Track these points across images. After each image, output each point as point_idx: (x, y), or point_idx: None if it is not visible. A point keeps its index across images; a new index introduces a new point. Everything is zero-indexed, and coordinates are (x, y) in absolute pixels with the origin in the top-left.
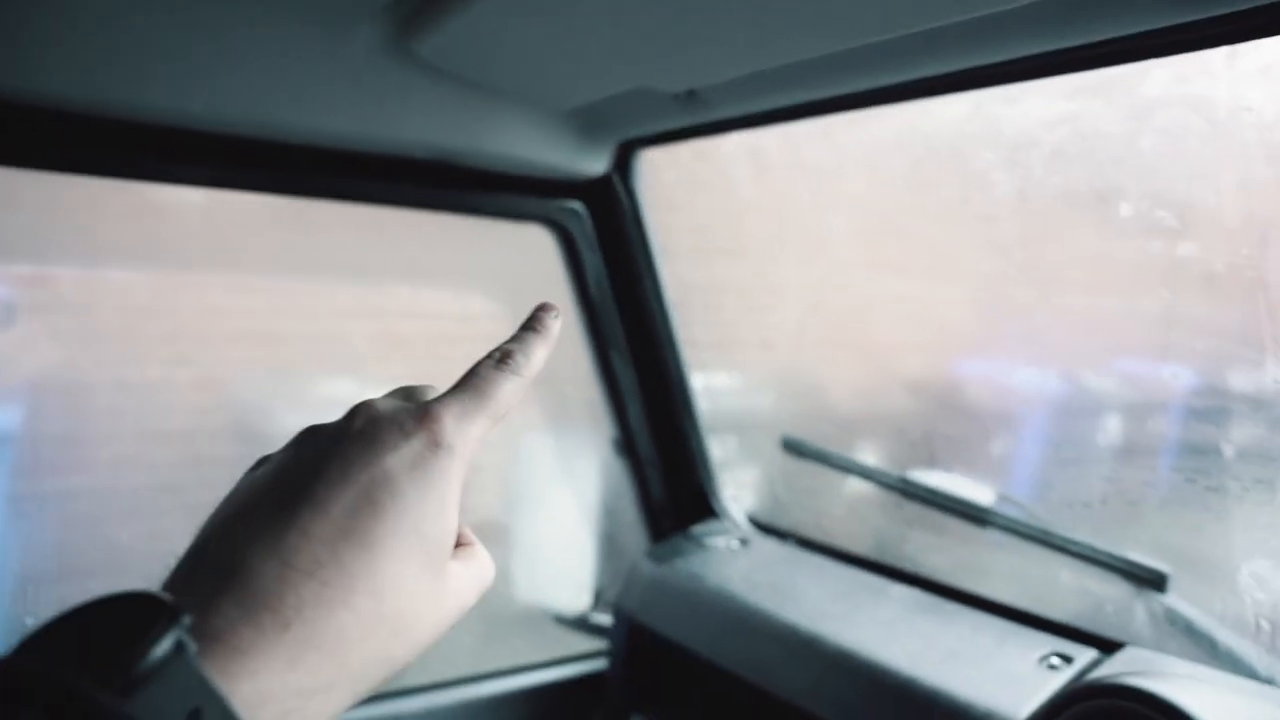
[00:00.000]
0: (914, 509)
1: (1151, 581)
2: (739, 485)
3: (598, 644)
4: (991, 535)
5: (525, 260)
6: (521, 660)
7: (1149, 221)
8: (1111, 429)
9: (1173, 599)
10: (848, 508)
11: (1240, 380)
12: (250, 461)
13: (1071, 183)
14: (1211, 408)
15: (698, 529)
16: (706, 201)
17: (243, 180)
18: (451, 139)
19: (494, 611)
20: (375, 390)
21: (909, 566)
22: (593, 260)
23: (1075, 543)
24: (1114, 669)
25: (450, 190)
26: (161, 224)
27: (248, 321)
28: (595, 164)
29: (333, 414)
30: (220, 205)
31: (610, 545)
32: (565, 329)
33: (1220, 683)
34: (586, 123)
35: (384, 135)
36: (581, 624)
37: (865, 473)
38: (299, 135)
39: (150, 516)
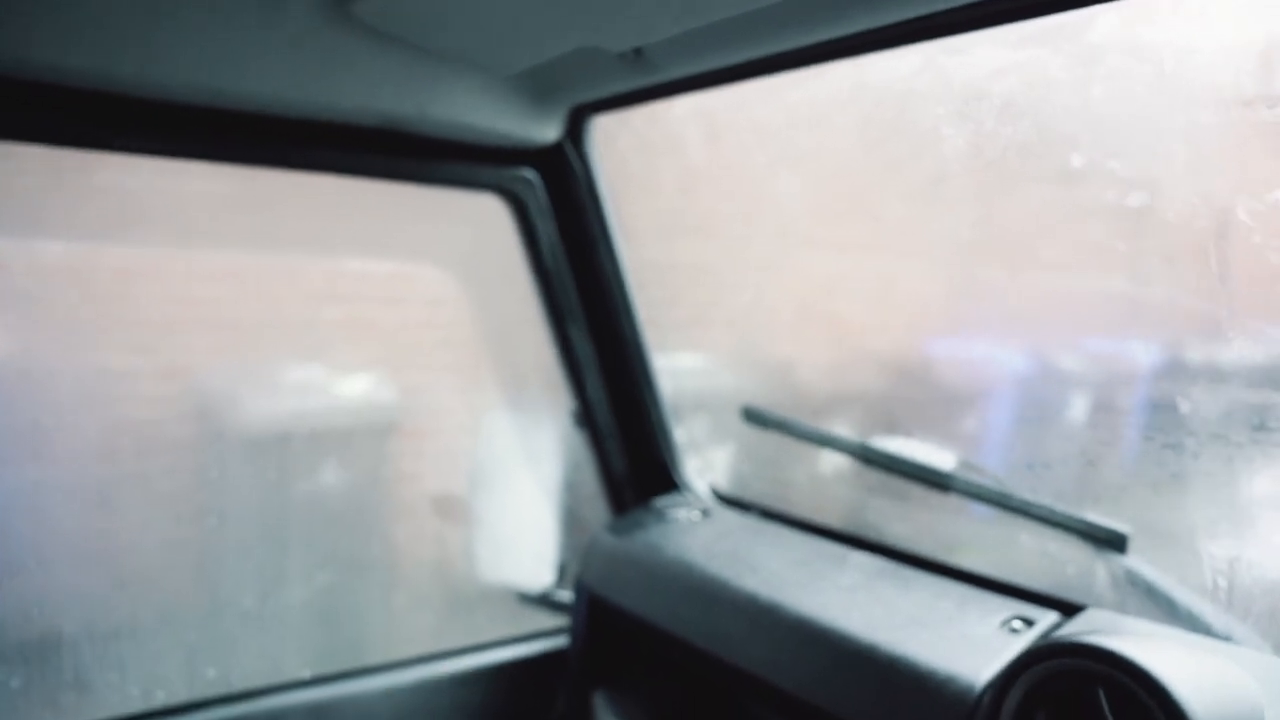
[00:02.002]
0: (875, 477)
1: (1111, 543)
2: (707, 465)
3: (561, 621)
4: (953, 501)
5: (480, 232)
6: (484, 638)
7: (1100, 172)
8: (1072, 398)
9: (1133, 560)
10: (810, 479)
11: (1195, 340)
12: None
13: (1022, 134)
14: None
15: (659, 501)
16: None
17: (184, 148)
18: (397, 105)
19: (456, 589)
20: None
21: (872, 535)
22: (547, 229)
23: (1036, 505)
24: (1075, 629)
25: (400, 158)
26: (116, 203)
27: (213, 309)
28: (547, 131)
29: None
30: (173, 184)
31: (572, 520)
32: (521, 300)
33: (1180, 640)
34: (535, 87)
35: (328, 101)
36: (544, 601)
37: (826, 440)
38: (239, 101)
39: (114, 509)
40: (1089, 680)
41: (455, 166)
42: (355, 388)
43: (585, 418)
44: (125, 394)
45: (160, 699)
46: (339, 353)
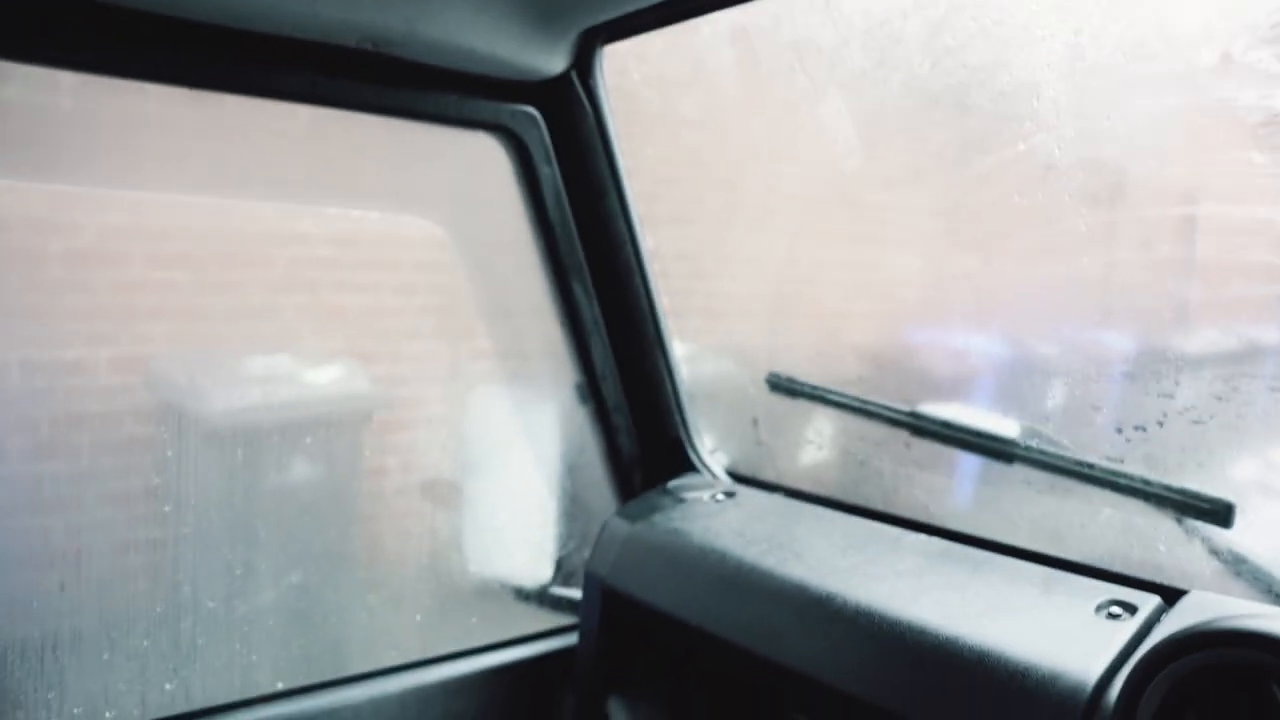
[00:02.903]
0: (916, 453)
1: (1215, 514)
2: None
3: (564, 619)
4: (1015, 474)
5: (474, 178)
6: (478, 641)
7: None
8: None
9: (1236, 535)
10: (841, 459)
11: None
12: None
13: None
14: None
15: (674, 483)
16: None
17: (140, 67)
18: (381, 18)
19: (446, 589)
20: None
21: (922, 517)
22: (549, 175)
23: (1122, 474)
24: (1190, 617)
25: (384, 87)
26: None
27: (171, 297)
28: (552, 61)
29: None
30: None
31: (575, 507)
32: (521, 256)
33: None
34: (540, 9)
35: (303, 13)
36: (545, 597)
37: (868, 409)
38: (199, 9)
39: (69, 507)
40: (1254, 673)
41: (448, 99)
42: (329, 375)
43: (590, 391)
44: (79, 387)
45: None
46: (315, 336)
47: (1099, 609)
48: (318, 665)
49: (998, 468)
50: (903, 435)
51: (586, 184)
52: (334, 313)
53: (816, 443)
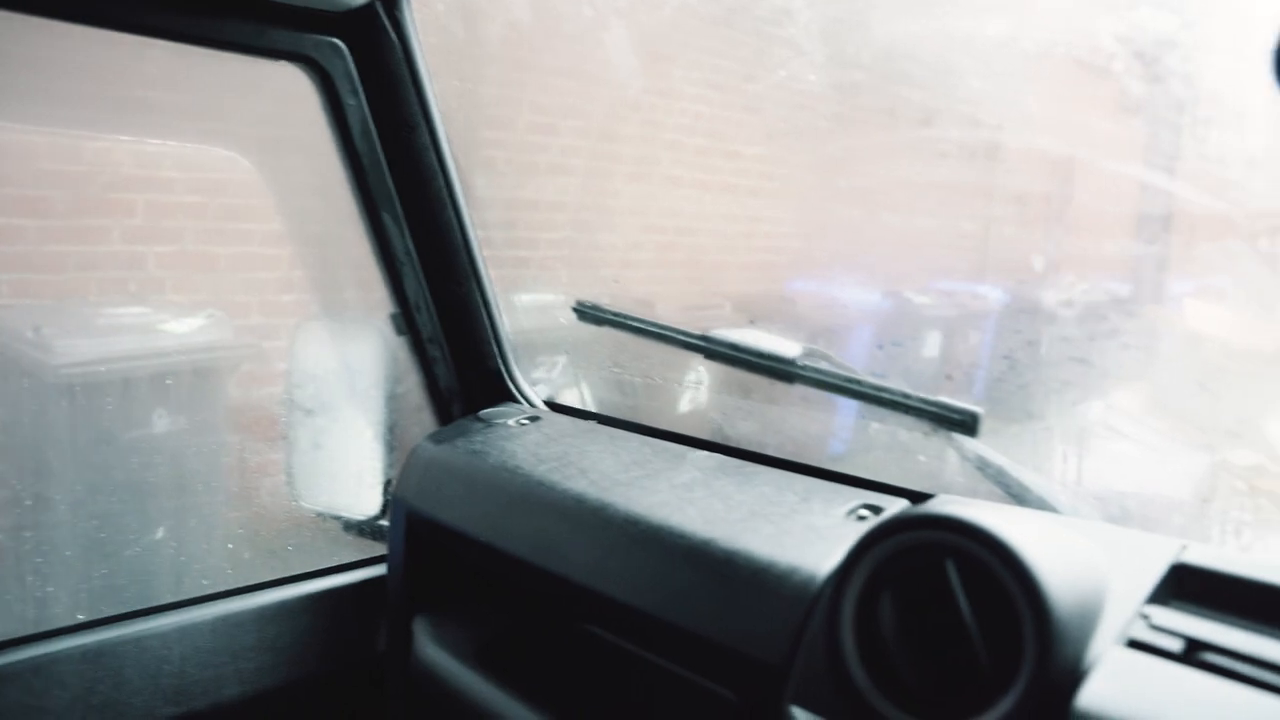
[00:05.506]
0: (724, 380)
1: (964, 424)
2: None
3: (385, 548)
4: (802, 394)
5: (283, 110)
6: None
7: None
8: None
9: (984, 444)
10: (656, 390)
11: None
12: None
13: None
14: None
15: (486, 412)
16: None
17: None
18: None
19: (271, 524)
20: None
21: (718, 438)
22: (355, 107)
23: (886, 389)
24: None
25: (181, 13)
26: None
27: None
28: None
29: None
30: None
31: (397, 440)
32: (333, 188)
33: (1027, 514)
34: None
35: None
36: (366, 528)
37: (664, 333)
38: None
39: None
40: (937, 553)
41: (249, 28)
42: (188, 326)
43: (406, 322)
44: None
45: None
46: (180, 287)
47: (850, 513)
48: (125, 597)
49: (781, 387)
50: (699, 359)
51: (396, 117)
52: (202, 262)
53: (629, 371)
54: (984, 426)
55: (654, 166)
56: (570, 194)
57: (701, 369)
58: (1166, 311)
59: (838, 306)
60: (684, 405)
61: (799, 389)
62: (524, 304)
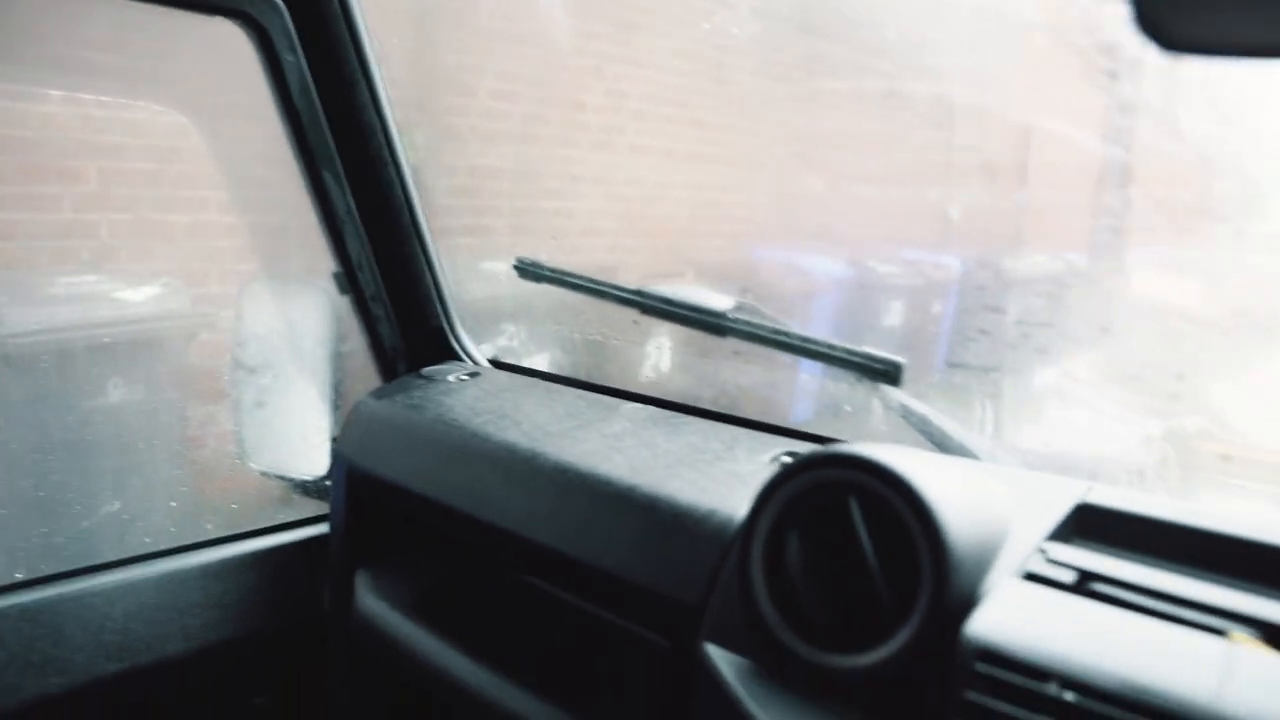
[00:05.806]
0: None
1: (886, 373)
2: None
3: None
4: (734, 348)
5: (221, 66)
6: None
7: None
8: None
9: (906, 394)
10: (603, 348)
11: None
12: None
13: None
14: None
15: (428, 369)
16: None
17: None
18: None
19: (218, 484)
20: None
21: (653, 391)
22: (293, 63)
23: (812, 341)
24: None
25: None
26: None
27: None
28: None
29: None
30: None
31: (341, 398)
32: (273, 146)
33: (936, 457)
34: None
35: None
36: (311, 486)
37: (600, 289)
38: None
39: None
40: (842, 490)
41: None
42: (143, 295)
43: (349, 280)
44: None
45: None
46: (134, 255)
47: (773, 460)
48: (67, 554)
49: (713, 340)
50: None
51: (335, 75)
52: (157, 230)
53: (570, 328)
54: (924, 381)
55: (619, 136)
56: (534, 162)
57: (644, 325)
58: (1121, 281)
59: (801, 274)
60: (624, 360)
61: (731, 341)
62: (486, 271)
